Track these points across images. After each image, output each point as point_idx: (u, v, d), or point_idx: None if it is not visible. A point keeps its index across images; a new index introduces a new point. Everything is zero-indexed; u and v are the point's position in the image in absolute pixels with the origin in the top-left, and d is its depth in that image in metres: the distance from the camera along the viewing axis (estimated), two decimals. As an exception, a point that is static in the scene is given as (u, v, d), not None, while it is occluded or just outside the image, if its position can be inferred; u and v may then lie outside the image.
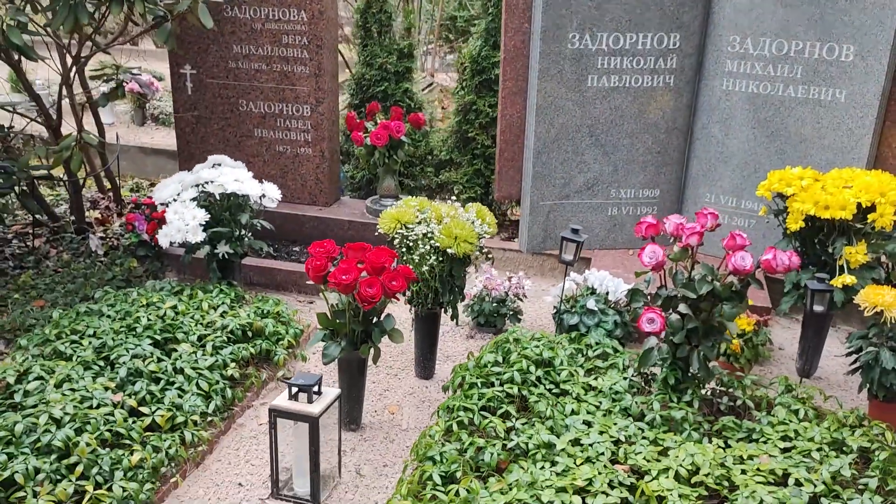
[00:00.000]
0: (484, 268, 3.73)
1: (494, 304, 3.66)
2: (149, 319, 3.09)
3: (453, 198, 3.29)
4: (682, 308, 2.88)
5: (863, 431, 2.71)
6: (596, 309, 3.40)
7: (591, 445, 2.58)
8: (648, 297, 3.21)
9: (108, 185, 4.79)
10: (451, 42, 8.20)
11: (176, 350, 2.97)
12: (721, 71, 3.71)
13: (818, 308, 3.10)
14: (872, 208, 3.02)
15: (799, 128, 3.59)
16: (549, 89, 3.75)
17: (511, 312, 3.68)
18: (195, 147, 4.56)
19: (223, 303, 3.34)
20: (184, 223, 3.31)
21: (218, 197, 3.46)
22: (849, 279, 3.00)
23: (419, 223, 3.08)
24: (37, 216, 4.16)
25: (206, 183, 3.45)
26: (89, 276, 3.81)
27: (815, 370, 3.48)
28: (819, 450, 2.59)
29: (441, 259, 3.02)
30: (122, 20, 3.41)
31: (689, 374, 2.92)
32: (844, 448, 2.62)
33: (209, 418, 2.79)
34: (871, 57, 3.35)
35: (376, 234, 3.19)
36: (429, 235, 3.02)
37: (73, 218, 4.33)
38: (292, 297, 3.99)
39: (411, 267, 3.05)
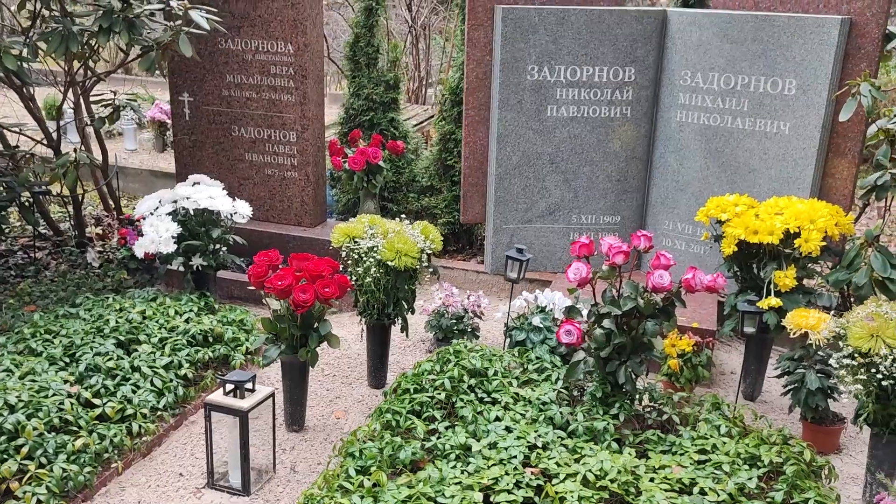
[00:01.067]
0: (445, 285, 3.91)
1: (452, 321, 3.82)
2: (116, 322, 3.34)
3: (402, 217, 3.48)
4: (607, 323, 3.02)
5: (779, 448, 2.78)
6: (542, 326, 3.54)
7: (506, 449, 2.72)
8: (583, 315, 3.35)
9: (113, 203, 5.12)
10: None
11: (137, 350, 3.21)
12: (675, 103, 3.87)
13: (748, 330, 3.19)
14: (799, 234, 3.12)
15: (748, 158, 3.72)
16: (509, 118, 3.95)
17: (469, 329, 3.83)
18: (192, 169, 4.86)
19: (190, 310, 3.58)
20: (157, 235, 3.57)
21: (192, 212, 3.72)
22: (774, 301, 3.10)
23: (367, 238, 3.29)
24: (40, 230, 4.49)
25: (182, 199, 3.72)
26: (81, 286, 4.10)
27: (760, 392, 3.55)
28: (732, 463, 2.68)
29: (385, 272, 3.22)
30: (117, 49, 3.72)
31: (621, 389, 3.04)
32: (759, 463, 2.70)
33: (159, 413, 3.01)
34: (811, 91, 3.47)
35: (330, 248, 3.40)
36: (374, 249, 3.22)
37: (75, 233, 4.66)
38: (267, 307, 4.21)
39: (357, 279, 3.26)
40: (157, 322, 3.41)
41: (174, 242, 3.60)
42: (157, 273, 4.24)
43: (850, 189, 3.58)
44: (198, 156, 4.84)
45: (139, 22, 3.58)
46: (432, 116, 6.90)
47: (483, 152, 4.15)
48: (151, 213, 3.68)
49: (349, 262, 3.27)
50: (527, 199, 4.11)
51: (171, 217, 3.68)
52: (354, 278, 3.24)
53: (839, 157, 3.55)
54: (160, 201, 3.75)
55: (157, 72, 3.77)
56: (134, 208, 5.56)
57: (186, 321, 3.49)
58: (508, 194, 4.09)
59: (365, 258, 3.22)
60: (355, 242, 3.28)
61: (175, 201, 3.76)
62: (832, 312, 3.02)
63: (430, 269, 3.35)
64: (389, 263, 3.16)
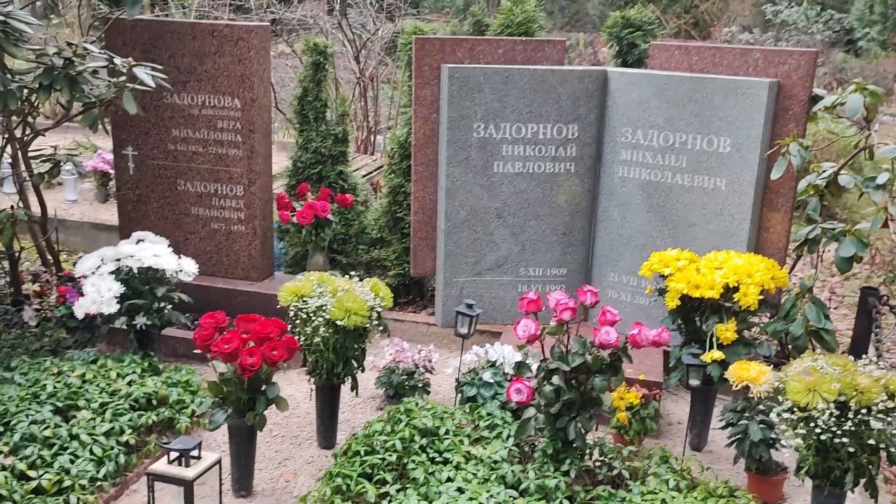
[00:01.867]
0: (395, 340, 3.90)
1: (403, 377, 3.81)
2: (54, 387, 3.23)
3: (352, 273, 3.48)
4: (556, 379, 3.05)
5: (726, 500, 2.83)
6: (492, 381, 3.56)
7: (457, 511, 2.70)
8: (532, 371, 3.38)
9: (52, 258, 4.98)
10: (411, 127, 8.59)
11: (76, 416, 3.10)
12: (617, 159, 3.98)
13: (693, 382, 3.26)
14: (738, 288, 3.22)
15: (687, 213, 3.84)
16: (457, 174, 4.01)
17: (420, 384, 3.82)
18: (136, 224, 4.78)
19: (133, 372, 3.49)
20: (99, 295, 3.49)
21: (136, 270, 3.65)
22: (717, 354, 3.18)
23: (316, 296, 3.27)
24: (-26, 288, 4.34)
25: (126, 257, 3.65)
26: (16, 347, 3.96)
27: (706, 443, 3.61)
28: (680, 517, 2.71)
29: (334, 331, 3.20)
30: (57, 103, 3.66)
31: (571, 445, 3.06)
32: (708, 516, 2.74)
33: (99, 483, 2.90)
34: (745, 149, 3.62)
35: (278, 307, 3.37)
36: (322, 308, 3.21)
37: (10, 290, 4.51)
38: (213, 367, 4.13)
39: (305, 339, 3.23)
40: (97, 386, 3.31)
41: (117, 302, 3.52)
42: (98, 332, 4.13)
43: (784, 242, 3.72)
44: (142, 210, 4.76)
45: (81, 79, 3.54)
46: (381, 167, 6.95)
47: (432, 207, 4.19)
48: (93, 272, 3.60)
49: (297, 321, 3.24)
50: (476, 253, 4.15)
51: (113, 276, 3.60)
52: (303, 338, 3.21)
53: (773, 211, 3.69)
54: (102, 259, 3.68)
55: (90, 128, 3.71)
56: (74, 264, 5.42)
57: (129, 384, 3.40)
58: (458, 248, 4.12)
59: (313, 318, 3.19)
60: (303, 301, 3.26)
61: (118, 259, 3.68)
62: (772, 361, 3.12)
63: (381, 328, 3.34)
64: (339, 323, 3.15)
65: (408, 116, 4.76)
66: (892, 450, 2.58)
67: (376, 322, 3.32)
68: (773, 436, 3.08)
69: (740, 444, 3.15)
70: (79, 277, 3.61)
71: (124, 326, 3.67)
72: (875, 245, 5.62)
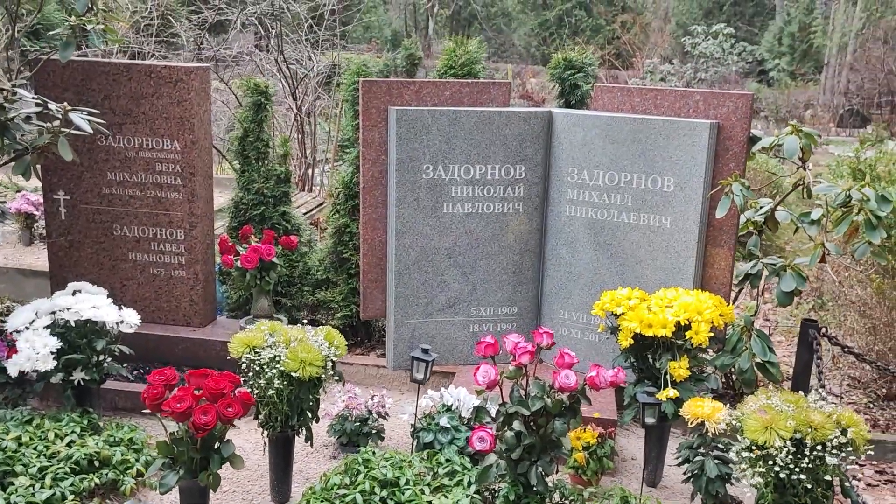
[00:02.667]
0: (347, 386, 3.82)
1: (357, 424, 3.73)
2: (-12, 452, 3.03)
3: (305, 322, 3.40)
4: (517, 425, 3.03)
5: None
6: (449, 426, 3.51)
7: (423, 566, 2.64)
8: (491, 415, 3.35)
9: (-24, 309, 4.71)
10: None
11: (13, 483, 2.91)
12: (564, 198, 4.03)
13: (649, 420, 3.30)
14: (689, 326, 3.29)
15: (634, 250, 3.91)
16: (406, 216, 3.99)
17: (374, 431, 3.75)
18: (68, 271, 4.58)
19: (73, 431, 3.31)
20: (34, 352, 3.31)
21: (73, 324, 3.48)
22: (672, 392, 3.22)
23: (268, 347, 3.18)
24: None
25: (63, 310, 3.47)
26: (-60, 406, 3.70)
27: (661, 479, 3.65)
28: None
29: (288, 383, 3.11)
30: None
31: (532, 490, 3.04)
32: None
33: (40, 555, 2.73)
34: (688, 188, 3.72)
35: (228, 358, 3.26)
36: (276, 359, 3.12)
37: (-68, 345, 4.23)
38: (157, 422, 3.96)
39: (258, 392, 3.13)
40: (35, 449, 3.12)
41: (53, 358, 3.35)
42: (29, 388, 3.90)
43: (728, 277, 3.82)
44: (75, 257, 4.57)
45: (13, 125, 3.39)
46: (321, 204, 6.87)
47: (381, 248, 4.15)
48: (27, 327, 3.41)
49: (250, 373, 3.14)
50: (427, 294, 4.12)
51: (49, 330, 3.42)
52: (256, 391, 3.11)
53: (717, 248, 3.79)
54: (36, 313, 3.49)
55: (22, 176, 3.55)
56: (3, 319, 5.15)
57: (69, 445, 3.22)
58: (408, 289, 4.09)
59: (267, 370, 3.10)
60: (255, 353, 3.16)
61: (53, 312, 3.50)
62: (718, 393, 3.18)
63: (336, 377, 3.27)
64: (294, 374, 3.06)
65: (353, 155, 4.73)
66: (846, 484, 2.65)
67: (331, 372, 3.24)
68: (729, 471, 3.14)
69: (697, 480, 3.20)
70: (10, 334, 3.41)
71: (60, 382, 3.48)
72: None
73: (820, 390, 2.94)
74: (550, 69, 4.44)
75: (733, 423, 2.84)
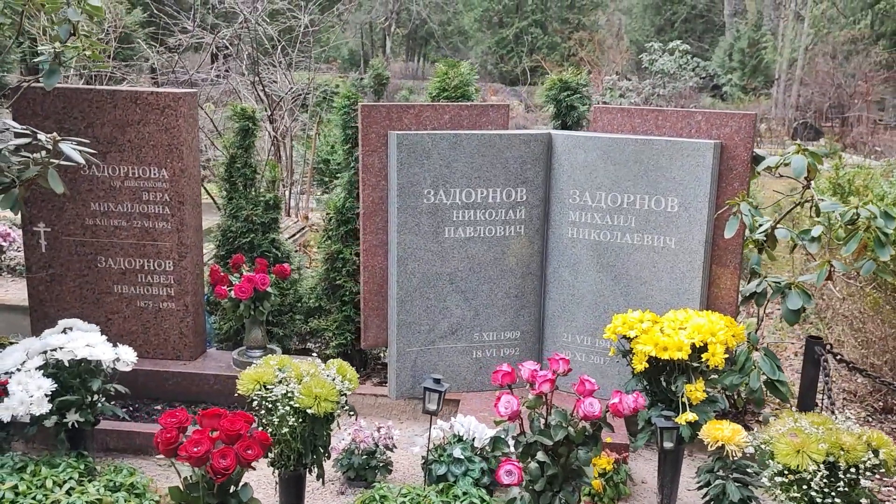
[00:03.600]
0: (352, 420, 3.71)
1: (364, 457, 3.62)
2: (-18, 505, 2.85)
3: (314, 354, 3.29)
4: (541, 456, 2.97)
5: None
6: (463, 457, 3.43)
7: None
8: (510, 445, 3.28)
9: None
10: (326, 184, 8.42)
11: (12, 538, 2.74)
12: (566, 220, 4.00)
13: (667, 445, 3.26)
14: (705, 348, 3.27)
15: (638, 271, 3.89)
16: (408, 241, 3.92)
17: (381, 464, 3.64)
18: (50, 306, 4.39)
19: (70, 478, 3.14)
20: (27, 395, 3.14)
21: (67, 363, 3.32)
22: (691, 416, 3.19)
23: (279, 383, 3.06)
24: None
25: (55, 350, 3.31)
26: (-82, 455, 3.49)
27: (675, 501, 3.61)
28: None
29: (302, 419, 2.99)
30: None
31: (554, 520, 2.97)
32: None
33: None
34: (692, 208, 3.72)
35: (236, 394, 3.13)
36: (289, 396, 3.00)
37: None
38: (152, 462, 3.80)
39: (271, 430, 3.01)
40: (34, 499, 2.95)
41: (48, 400, 3.18)
42: (14, 432, 3.71)
43: (734, 297, 3.82)
44: (56, 290, 4.38)
45: (1, 157, 3.23)
46: (303, 228, 6.75)
47: (382, 275, 4.07)
48: (18, 369, 3.24)
49: (262, 411, 3.02)
50: (429, 321, 4.04)
51: (41, 371, 3.25)
52: (270, 429, 2.99)
53: (722, 267, 3.79)
54: (27, 354, 3.31)
55: (11, 210, 3.39)
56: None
57: (68, 493, 3.04)
58: (410, 316, 4.01)
59: (280, 406, 2.98)
60: (266, 389, 3.04)
61: (45, 352, 3.33)
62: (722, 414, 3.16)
63: (350, 412, 3.16)
64: (310, 411, 2.95)
65: (344, 180, 4.64)
66: (878, 505, 2.65)
67: (344, 406, 3.14)
68: (750, 493, 3.11)
69: (718, 503, 3.16)
70: (4, 374, 3.23)
71: (54, 425, 3.31)
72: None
73: (830, 408, 2.95)
74: (545, 91, 4.43)
75: (762, 446, 2.81)
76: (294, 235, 6.40)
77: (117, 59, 7.82)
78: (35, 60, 3.80)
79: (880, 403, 4.49)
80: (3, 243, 6.35)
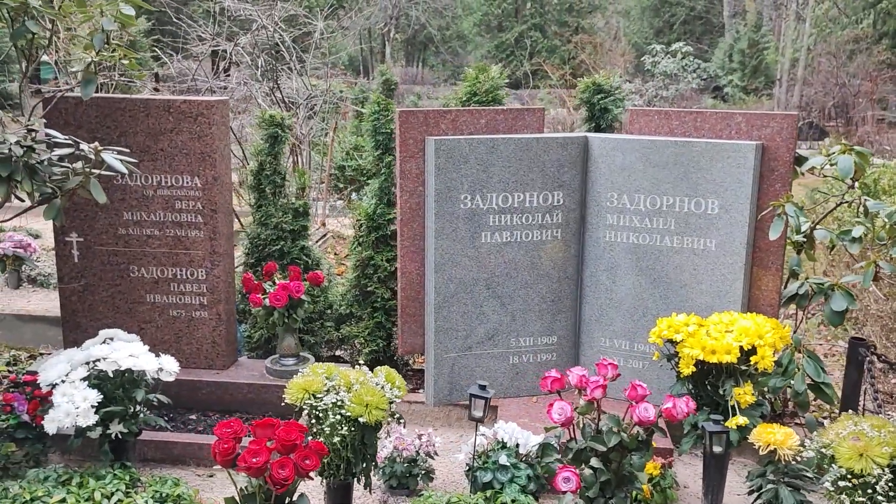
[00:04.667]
0: (392, 427, 3.68)
1: (406, 465, 3.59)
2: (34, 519, 2.83)
3: (361, 363, 3.27)
4: (594, 462, 2.94)
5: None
6: (508, 464, 3.40)
7: None
8: (559, 451, 3.26)
9: (-19, 360, 4.46)
10: (341, 190, 8.40)
11: (65, 552, 2.72)
12: (603, 224, 3.98)
13: (717, 449, 3.23)
14: (753, 351, 3.24)
15: (678, 274, 3.87)
16: (445, 247, 3.89)
17: (424, 472, 3.61)
18: (82, 316, 4.37)
19: (118, 489, 3.12)
20: (73, 406, 3.12)
21: (111, 374, 3.29)
22: (741, 420, 3.17)
23: (328, 392, 3.04)
24: None
25: (98, 360, 3.29)
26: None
27: (721, 506, 3.58)
28: None
29: (353, 428, 2.97)
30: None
31: (607, 526, 2.94)
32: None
33: None
34: (733, 210, 3.70)
35: (283, 403, 3.11)
36: (339, 404, 2.98)
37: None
38: (190, 471, 3.78)
39: (322, 439, 2.98)
40: (83, 512, 2.92)
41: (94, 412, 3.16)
42: (51, 443, 3.68)
43: (776, 299, 3.80)
44: (89, 301, 4.35)
45: (43, 168, 3.21)
46: (326, 235, 6.73)
47: (419, 282, 4.04)
48: (63, 380, 3.21)
49: (312, 420, 2.99)
50: (466, 327, 4.02)
51: (86, 382, 3.23)
52: (321, 438, 2.96)
53: (763, 269, 3.77)
54: (70, 364, 3.29)
55: (53, 220, 3.37)
56: (8, 364, 4.89)
57: (116, 505, 3.02)
58: (448, 323, 3.98)
59: (330, 415, 2.96)
60: (316, 398, 3.01)
61: (88, 363, 3.31)
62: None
63: (399, 419, 3.14)
64: (361, 419, 2.93)
65: (374, 186, 4.62)
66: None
67: (395, 414, 3.12)
68: (802, 498, 3.09)
69: (771, 508, 3.14)
70: (47, 393, 3.20)
71: (96, 437, 3.28)
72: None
73: (877, 410, 2.93)
74: (579, 93, 4.41)
75: (822, 450, 2.78)
76: (317, 241, 6.38)
77: (138, 66, 7.80)
78: (72, 70, 3.78)
79: (917, 404, 4.47)
80: (24, 254, 6.32)
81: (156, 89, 8.69)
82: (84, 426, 3.14)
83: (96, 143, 3.30)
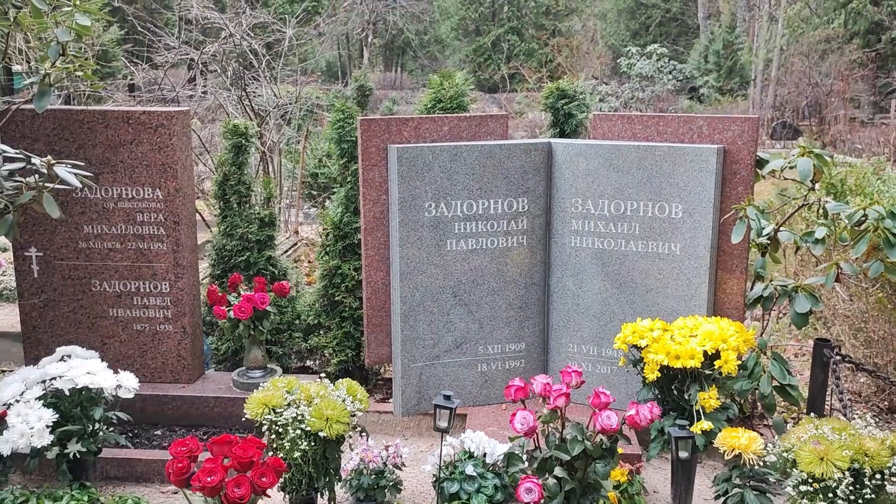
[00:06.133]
0: (359, 440, 3.64)
1: (373, 477, 3.55)
2: (-14, 544, 2.76)
3: (322, 375, 3.23)
4: (558, 471, 2.92)
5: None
6: (475, 474, 3.37)
7: None
8: (525, 461, 3.23)
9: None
10: (315, 197, 8.35)
11: (18, 577, 2.65)
12: (568, 229, 3.97)
13: (683, 455, 3.22)
14: (717, 355, 3.24)
15: (644, 279, 3.86)
16: (410, 255, 3.86)
17: (391, 484, 3.57)
18: (43, 332, 4.29)
19: (75, 511, 3.05)
20: (28, 426, 3.05)
21: (67, 392, 3.23)
22: (706, 425, 3.16)
23: (288, 406, 3.00)
24: None
25: (54, 378, 3.22)
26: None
27: (689, 510, 3.57)
28: None
29: (314, 443, 2.93)
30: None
31: (572, 535, 2.92)
32: None
33: None
34: (697, 214, 3.70)
35: (243, 419, 3.06)
36: (299, 419, 2.94)
37: None
38: (154, 489, 3.71)
39: (282, 454, 2.94)
40: (38, 535, 2.86)
41: (50, 432, 3.09)
42: (10, 465, 3.60)
43: (741, 302, 3.80)
44: (50, 316, 4.28)
45: (-6, 183, 3.14)
46: (296, 244, 6.67)
47: (385, 291, 4.01)
48: (17, 400, 3.14)
49: (272, 436, 2.95)
50: (433, 335, 3.99)
51: (41, 402, 3.16)
52: (281, 454, 2.92)
53: (728, 273, 3.77)
54: (25, 384, 3.22)
55: (5, 236, 3.30)
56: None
57: (73, 527, 2.96)
58: (414, 332, 3.95)
59: (290, 430, 2.91)
60: (276, 413, 2.97)
61: (44, 381, 3.24)
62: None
63: (361, 432, 3.10)
64: (322, 433, 2.89)
65: (341, 195, 4.58)
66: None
67: (356, 427, 3.08)
68: (769, 502, 3.08)
69: (737, 512, 3.13)
70: (2, 406, 3.13)
71: (55, 457, 3.21)
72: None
73: (842, 411, 2.92)
74: (543, 98, 4.40)
75: (784, 454, 2.78)
76: (287, 251, 6.33)
77: (96, 77, 7.70)
78: (25, 82, 3.71)
79: (885, 403, 4.49)
80: (-10, 268, 6.20)
81: (133, 97, 8.60)
82: (39, 446, 3.07)
83: (49, 157, 3.23)
